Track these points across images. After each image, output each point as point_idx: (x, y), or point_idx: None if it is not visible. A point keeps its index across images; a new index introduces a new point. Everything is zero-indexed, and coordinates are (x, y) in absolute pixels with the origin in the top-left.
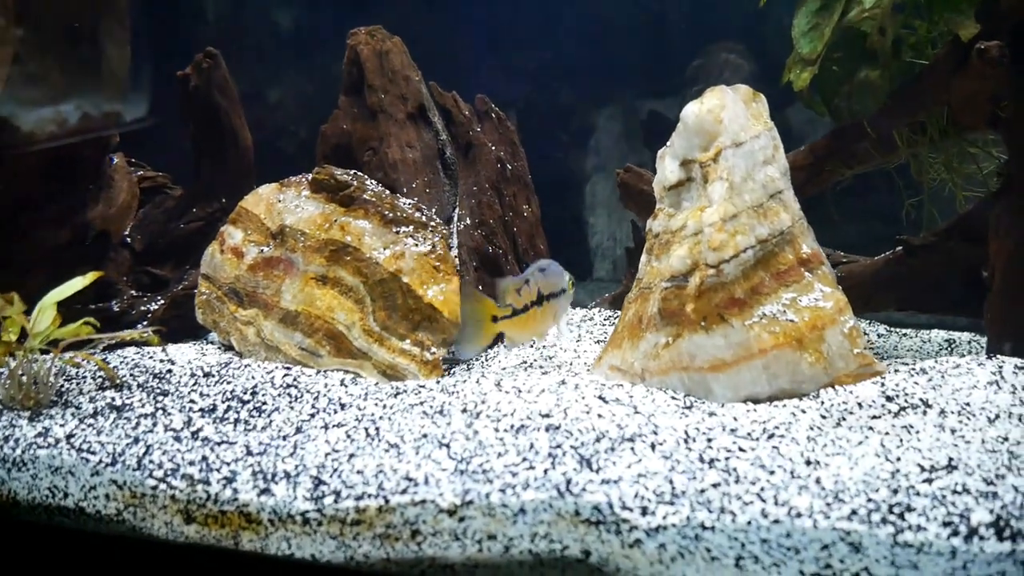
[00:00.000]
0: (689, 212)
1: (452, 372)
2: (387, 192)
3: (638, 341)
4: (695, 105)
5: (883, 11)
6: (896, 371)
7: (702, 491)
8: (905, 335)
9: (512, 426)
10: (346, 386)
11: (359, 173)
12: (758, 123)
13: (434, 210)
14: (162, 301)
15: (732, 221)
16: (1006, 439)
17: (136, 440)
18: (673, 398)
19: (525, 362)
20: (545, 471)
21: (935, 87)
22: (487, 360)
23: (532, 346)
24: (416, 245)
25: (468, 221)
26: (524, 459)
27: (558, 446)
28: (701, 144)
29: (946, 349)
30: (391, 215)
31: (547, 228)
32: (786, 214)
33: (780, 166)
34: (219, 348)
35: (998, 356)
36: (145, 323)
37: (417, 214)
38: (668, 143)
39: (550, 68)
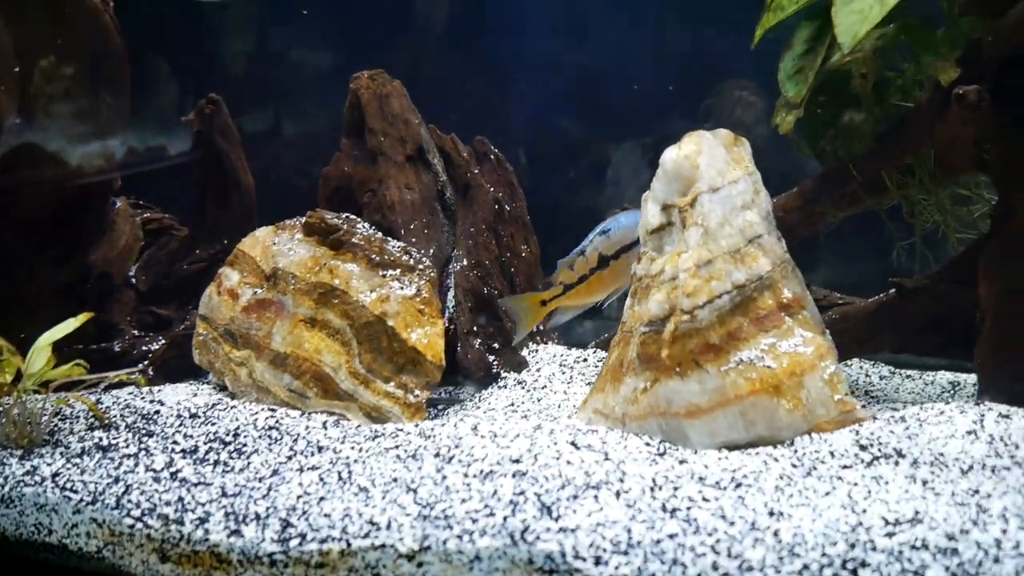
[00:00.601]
0: (668, 257)
1: (444, 413)
2: (378, 235)
3: (619, 385)
4: (673, 150)
5: (864, 55)
6: (875, 419)
7: (658, 541)
8: (908, 377)
9: (481, 471)
10: (327, 429)
11: (351, 216)
12: (738, 168)
13: (432, 251)
14: (163, 341)
15: (707, 267)
16: (977, 492)
17: (117, 480)
18: (647, 444)
19: (513, 404)
20: (504, 518)
21: (920, 131)
22: (480, 400)
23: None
24: (402, 288)
25: (465, 262)
26: (486, 505)
27: (521, 493)
28: (680, 189)
29: (949, 392)
30: (378, 259)
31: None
32: (765, 259)
33: (760, 210)
34: (213, 389)
35: (985, 403)
36: (146, 363)
37: (405, 257)
38: (651, 187)
39: (564, 104)
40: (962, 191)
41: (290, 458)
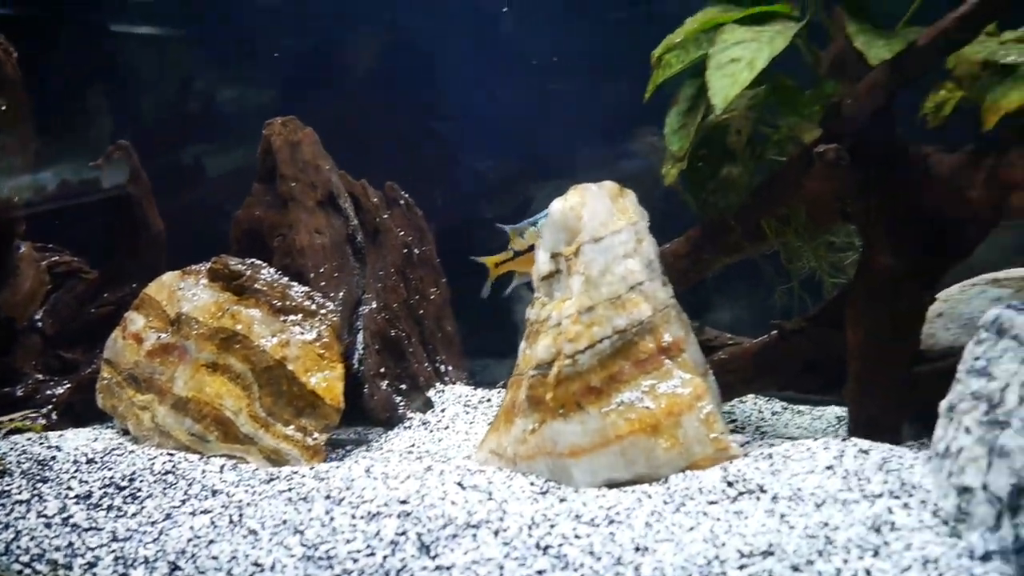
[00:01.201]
0: (555, 303)
1: (349, 454)
2: (282, 280)
3: (511, 426)
4: (560, 202)
5: (739, 113)
6: (746, 455)
7: None
8: (799, 412)
9: (369, 512)
10: (223, 472)
11: (256, 262)
12: (622, 218)
13: (341, 294)
14: (68, 385)
15: (589, 313)
16: (827, 524)
17: (7, 526)
18: (531, 484)
19: (414, 445)
20: (384, 558)
21: (790, 184)
22: (385, 441)
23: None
24: (303, 333)
25: (373, 305)
26: (368, 545)
27: (403, 533)
28: (566, 238)
29: (835, 426)
30: (280, 304)
31: (478, 304)
32: (646, 304)
33: (643, 258)
34: (116, 433)
35: (851, 440)
36: (49, 407)
37: (307, 303)
38: (541, 236)
39: (484, 147)
40: (833, 239)
41: (184, 502)
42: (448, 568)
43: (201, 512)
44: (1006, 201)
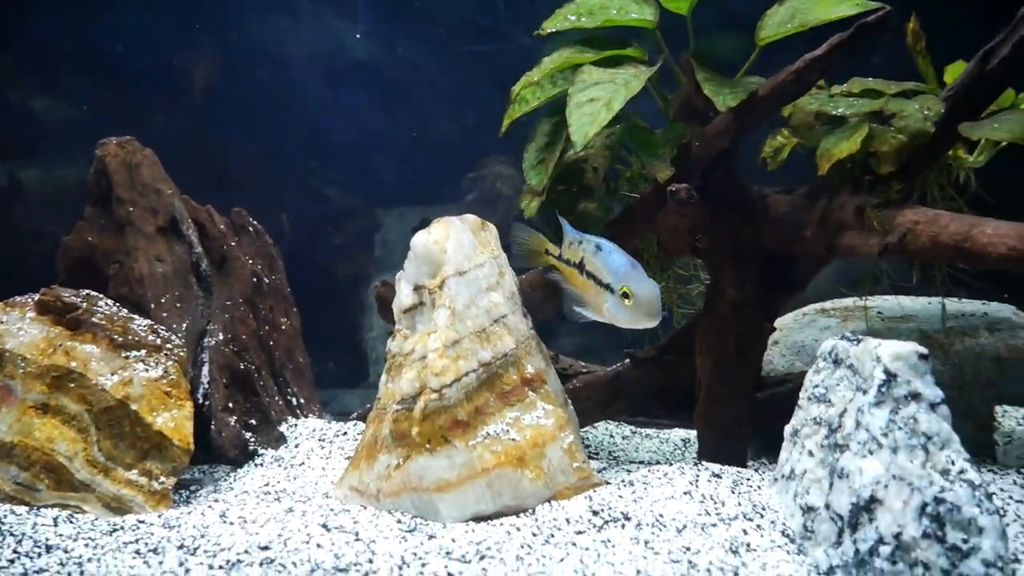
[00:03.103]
0: (419, 336)
1: (196, 496)
2: (122, 313)
3: (374, 462)
4: (423, 235)
5: (596, 151)
6: (608, 483)
7: None
8: (648, 436)
9: (228, 561)
10: (57, 525)
11: (92, 293)
12: (485, 251)
13: (185, 325)
14: None
15: (454, 347)
16: (688, 549)
17: None
18: (398, 522)
19: (268, 484)
20: None
21: (644, 219)
22: (235, 480)
23: (282, 466)
24: (147, 370)
25: (220, 337)
26: None
27: None
28: (429, 271)
29: (681, 449)
30: (121, 339)
31: (325, 332)
32: (510, 337)
33: (505, 291)
34: None
35: (703, 464)
36: None
37: (151, 337)
38: (404, 268)
39: (331, 174)
40: (680, 272)
41: (12, 561)
42: None
43: (35, 572)
44: (837, 240)
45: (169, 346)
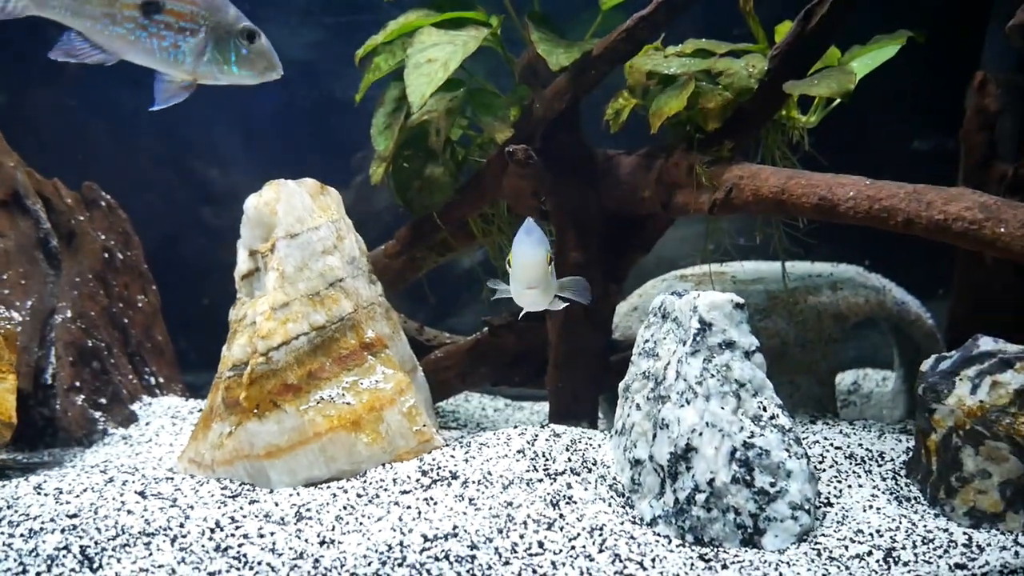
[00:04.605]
0: (252, 302)
1: (37, 473)
2: None
3: (208, 432)
4: (254, 198)
5: (439, 114)
6: (448, 445)
7: None
8: (520, 408)
9: (30, 529)
10: None
11: None
12: (324, 215)
13: (30, 303)
14: None
15: (283, 309)
16: (511, 504)
17: None
18: (223, 489)
19: (107, 461)
20: (38, 574)
21: (491, 184)
22: (80, 460)
23: (129, 443)
24: None
25: (69, 314)
26: (21, 563)
27: (66, 547)
28: (262, 235)
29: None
30: None
31: (194, 314)
32: (347, 301)
33: (345, 255)
34: None
35: (549, 426)
36: None
37: None
38: (241, 234)
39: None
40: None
41: None
42: None
43: None
44: (672, 199)
45: None
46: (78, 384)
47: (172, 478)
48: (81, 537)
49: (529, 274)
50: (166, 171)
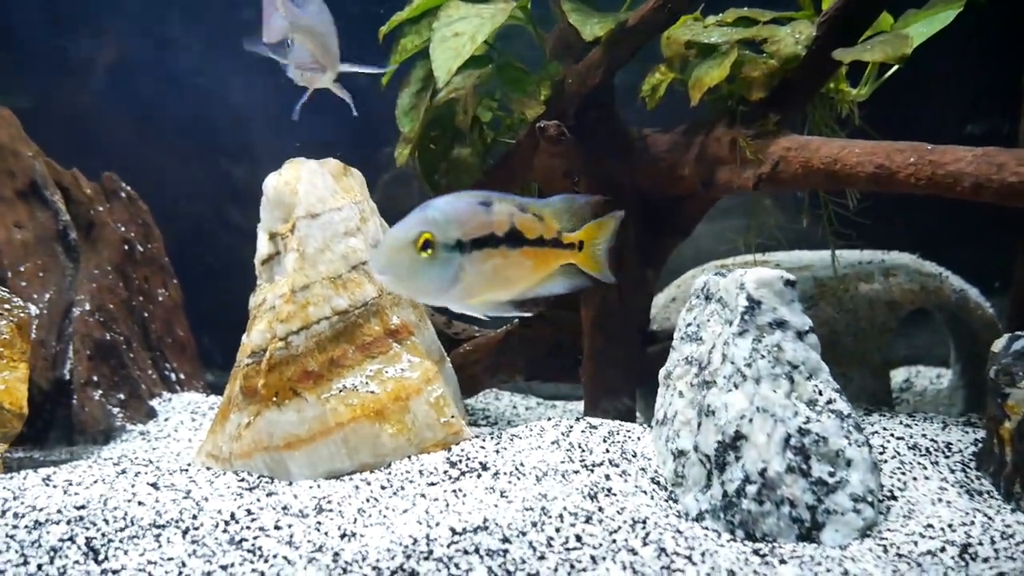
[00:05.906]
0: (272, 286)
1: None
2: None
3: (226, 423)
4: (274, 177)
5: (466, 92)
6: (478, 436)
7: (208, 573)
8: (552, 406)
9: (35, 521)
10: None
11: None
12: (347, 196)
13: (48, 296)
14: None
15: (303, 292)
16: (545, 496)
17: None
18: (240, 481)
19: (124, 456)
20: (39, 566)
21: (522, 164)
22: (98, 455)
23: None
24: None
25: (87, 307)
26: (23, 555)
27: (70, 538)
28: (282, 216)
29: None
30: None
31: (221, 311)
32: (371, 285)
33: (369, 238)
34: None
35: (584, 418)
36: None
37: None
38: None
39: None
40: None
41: None
42: (116, 572)
43: None
44: (714, 176)
45: (8, 306)
46: (96, 379)
47: (187, 470)
48: (88, 528)
49: (378, 256)
50: (191, 167)
